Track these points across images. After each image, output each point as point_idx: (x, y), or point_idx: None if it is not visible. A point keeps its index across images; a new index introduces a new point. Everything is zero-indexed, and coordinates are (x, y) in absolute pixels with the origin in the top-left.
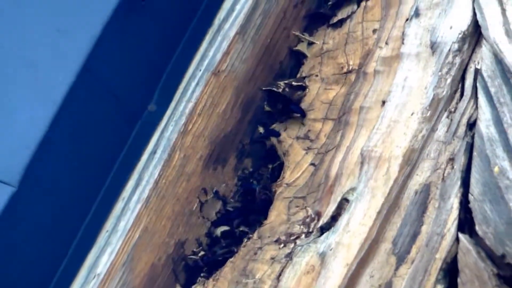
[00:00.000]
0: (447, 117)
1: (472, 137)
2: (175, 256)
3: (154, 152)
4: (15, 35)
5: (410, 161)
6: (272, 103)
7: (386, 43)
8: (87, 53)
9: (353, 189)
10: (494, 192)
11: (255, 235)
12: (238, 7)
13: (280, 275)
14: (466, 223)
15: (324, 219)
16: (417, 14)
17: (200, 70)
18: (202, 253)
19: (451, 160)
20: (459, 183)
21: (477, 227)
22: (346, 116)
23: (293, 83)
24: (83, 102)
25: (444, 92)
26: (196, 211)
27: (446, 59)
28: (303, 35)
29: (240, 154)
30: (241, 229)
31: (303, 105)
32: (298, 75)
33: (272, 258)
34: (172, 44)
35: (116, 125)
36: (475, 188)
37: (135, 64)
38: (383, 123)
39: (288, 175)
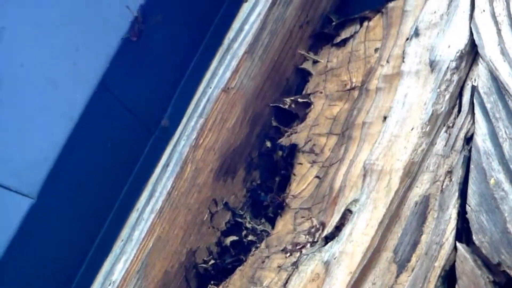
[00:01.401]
0: (446, 131)
1: (469, 151)
2: (187, 264)
3: (167, 165)
4: (36, 54)
5: (410, 174)
6: (279, 119)
7: (388, 61)
8: (104, 71)
9: (356, 201)
10: (490, 203)
11: (263, 245)
12: (246, 27)
13: (286, 282)
14: (463, 232)
15: (328, 229)
16: (416, 33)
17: (211, 87)
18: (212, 261)
19: (449, 172)
20: (457, 194)
21: (474, 237)
22: (349, 131)
23: (299, 99)
24: (99, 117)
25: (443, 108)
26: (207, 221)
27: (444, 76)
28: (308, 54)
29: (248, 166)
30: (249, 238)
31: (309, 120)
32: (304, 92)
33: (279, 266)
34: (184, 63)
35: (130, 139)
36: (472, 199)
37: (149, 82)
38: (384, 138)
39: (294, 187)
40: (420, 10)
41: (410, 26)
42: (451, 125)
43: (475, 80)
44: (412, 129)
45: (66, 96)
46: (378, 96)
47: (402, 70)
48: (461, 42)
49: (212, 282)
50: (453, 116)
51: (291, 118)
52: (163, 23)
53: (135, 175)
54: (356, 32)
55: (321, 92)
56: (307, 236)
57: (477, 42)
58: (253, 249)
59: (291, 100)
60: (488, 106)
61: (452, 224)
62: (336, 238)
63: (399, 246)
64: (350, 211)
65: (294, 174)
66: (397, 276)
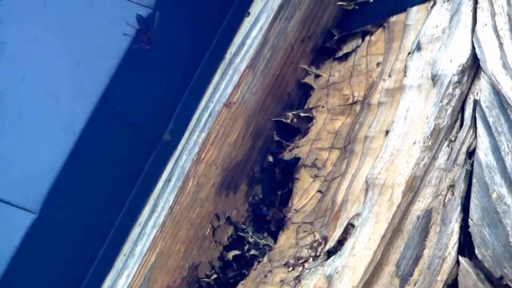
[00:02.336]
0: (448, 145)
1: (472, 165)
2: (190, 279)
3: (169, 179)
4: (38, 68)
5: (413, 188)
6: (281, 133)
7: (389, 76)
8: (105, 85)
9: (358, 215)
10: (492, 217)
11: (265, 259)
12: (248, 42)
13: None
14: (466, 246)
15: (330, 243)
16: (418, 48)
17: (213, 102)
18: (215, 275)
19: (452, 186)
20: (459, 208)
21: (476, 250)
22: (351, 145)
23: (301, 113)
24: (101, 132)
25: (445, 122)
26: (209, 235)
27: (446, 90)
28: (310, 68)
29: (251, 181)
30: (252, 253)
31: (311, 135)
32: (306, 106)
33: (282, 281)
34: (186, 78)
35: (132, 154)
36: (475, 213)
37: (151, 96)
38: (386, 152)
39: (296, 201)
40: (422, 24)
41: (412, 40)
42: (453, 139)
43: (477, 94)
44: (414, 143)
45: (68, 110)
46: (380, 110)
47: (404, 84)
48: (463, 56)
49: None
50: (455, 130)
51: (293, 132)
52: (165, 37)
53: (137, 189)
54: (358, 46)
55: (323, 107)
56: (310, 250)
57: (479, 56)
58: (256, 264)
59: (293, 114)
60: (490, 120)
61: (455, 238)
62: (339, 252)
63: (402, 260)
64: (353, 225)
65: (296, 189)
66: None
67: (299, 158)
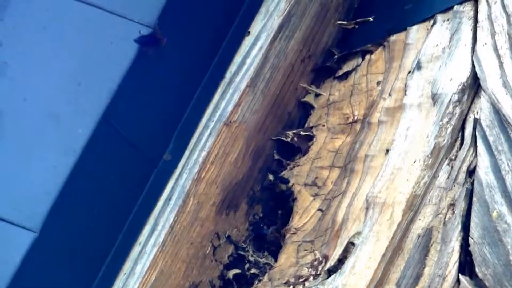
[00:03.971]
0: (448, 164)
1: (472, 184)
2: None
3: (169, 198)
4: (38, 89)
5: (413, 207)
6: (281, 152)
7: (390, 94)
8: (106, 105)
9: (358, 233)
10: (493, 235)
11: (266, 278)
12: (248, 61)
13: None
14: (466, 265)
15: (331, 262)
16: (419, 66)
17: (213, 121)
18: None
19: (452, 205)
20: (459, 227)
21: (477, 269)
22: (351, 164)
23: (301, 132)
24: (102, 151)
25: (445, 141)
26: (210, 254)
27: (446, 109)
28: (311, 87)
29: (251, 200)
30: (252, 271)
31: (311, 153)
32: (306, 125)
33: None
34: (186, 97)
35: (133, 173)
36: (475, 231)
37: (151, 116)
38: (387, 171)
39: (297, 220)
40: (422, 43)
41: (412, 59)
42: (453, 158)
43: (477, 113)
44: (414, 161)
45: (68, 130)
46: (380, 129)
47: (404, 103)
48: (463, 75)
49: None
50: (455, 149)
51: (294, 151)
52: (166, 57)
53: (137, 208)
54: (358, 66)
55: (324, 125)
56: (310, 269)
57: (479, 75)
58: (256, 282)
59: (294, 133)
60: (490, 139)
61: (455, 256)
62: (339, 271)
63: (402, 279)
64: (353, 244)
65: (297, 207)
66: None
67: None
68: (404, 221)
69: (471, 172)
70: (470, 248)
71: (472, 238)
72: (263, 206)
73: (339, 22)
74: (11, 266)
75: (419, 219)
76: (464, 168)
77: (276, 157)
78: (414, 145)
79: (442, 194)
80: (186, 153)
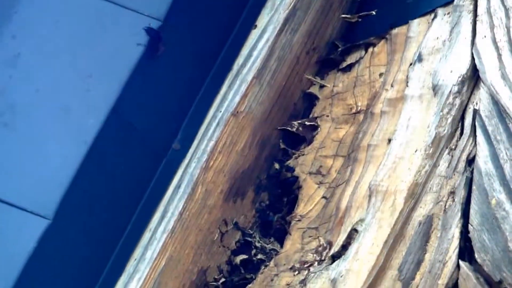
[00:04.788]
0: (448, 153)
1: (471, 172)
2: (198, 283)
3: (178, 186)
4: (50, 80)
5: (414, 195)
6: (287, 142)
7: (392, 86)
8: (116, 97)
9: (361, 220)
10: (492, 222)
11: (272, 263)
12: (255, 53)
13: None
14: (466, 251)
15: (335, 248)
16: (420, 59)
17: (220, 112)
18: (223, 279)
19: (452, 193)
20: (459, 214)
21: (476, 255)
22: (355, 153)
23: (306, 122)
24: (112, 141)
25: (445, 131)
26: (217, 240)
27: (447, 100)
28: (315, 78)
29: (257, 188)
30: (259, 257)
31: (316, 143)
32: (311, 115)
33: (288, 284)
34: (194, 88)
35: (143, 162)
36: (474, 219)
37: (160, 107)
38: (389, 160)
39: (302, 208)
40: (423, 36)
41: (413, 51)
42: (453, 147)
43: (476, 103)
44: (415, 151)
45: (79, 121)
46: (382, 119)
47: (405, 94)
48: (463, 67)
49: None
50: (455, 138)
51: (299, 141)
52: (174, 50)
53: (147, 196)
54: (361, 58)
55: (328, 116)
56: (315, 255)
57: (478, 67)
58: (263, 268)
59: (299, 123)
60: (489, 129)
61: (455, 243)
62: (343, 256)
63: (404, 265)
64: (356, 231)
65: (302, 195)
66: None
67: (297, 177)
68: (405, 209)
69: (470, 161)
70: (470, 235)
71: (471, 225)
72: (270, 194)
73: (343, 15)
74: (25, 252)
75: (420, 207)
76: (464, 157)
77: (282, 146)
78: (415, 135)
79: (443, 182)
80: (195, 142)
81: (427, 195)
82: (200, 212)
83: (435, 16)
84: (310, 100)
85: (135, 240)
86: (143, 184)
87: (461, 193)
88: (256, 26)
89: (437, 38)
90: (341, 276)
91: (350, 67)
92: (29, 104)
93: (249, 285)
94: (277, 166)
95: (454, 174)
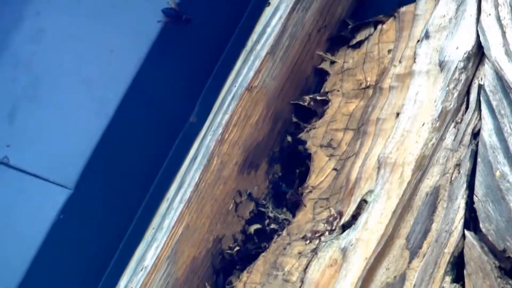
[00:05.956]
0: (454, 127)
1: (477, 145)
2: (214, 251)
3: (194, 158)
4: (73, 55)
5: (422, 167)
6: (299, 115)
7: (400, 62)
8: (136, 71)
9: (371, 191)
10: (496, 193)
11: (284, 232)
12: (268, 30)
13: (306, 267)
14: (471, 221)
15: (345, 218)
16: (427, 36)
17: (235, 86)
18: (237, 248)
19: (458, 165)
20: (465, 186)
21: (481, 225)
22: (364, 127)
23: (317, 97)
24: (131, 114)
25: (452, 105)
26: (232, 210)
27: (453, 76)
28: (326, 55)
29: (270, 160)
30: (272, 227)
31: (327, 117)
32: (322, 90)
33: (300, 253)
34: (210, 64)
35: (161, 134)
36: (479, 190)
37: (178, 82)
38: (397, 133)
39: (313, 179)
40: (430, 14)
41: (421, 29)
42: (459, 121)
43: (481, 79)
44: (423, 124)
45: (101, 95)
46: (391, 94)
47: (413, 70)
48: (469, 44)
49: (237, 267)
50: (461, 112)
51: (310, 114)
52: (191, 27)
53: (165, 167)
54: (370, 35)
55: (338, 91)
56: (326, 225)
57: (483, 44)
58: (275, 237)
59: (310, 98)
60: (494, 103)
61: (461, 213)
62: (353, 226)
63: (411, 234)
64: (366, 201)
65: (313, 167)
66: (410, 262)
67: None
68: (413, 180)
69: (475, 134)
70: (475, 206)
71: (476, 196)
72: (282, 165)
73: None
74: (47, 221)
75: (427, 178)
76: (469, 130)
77: (294, 120)
78: (422, 109)
79: (449, 155)
80: (211, 116)
81: (434, 167)
82: (216, 183)
83: None
84: (321, 76)
85: (153, 209)
86: (160, 155)
87: (466, 165)
88: (269, 3)
89: (444, 16)
90: (351, 245)
91: (359, 44)
92: (52, 78)
93: (263, 254)
94: (289, 139)
95: (460, 147)
